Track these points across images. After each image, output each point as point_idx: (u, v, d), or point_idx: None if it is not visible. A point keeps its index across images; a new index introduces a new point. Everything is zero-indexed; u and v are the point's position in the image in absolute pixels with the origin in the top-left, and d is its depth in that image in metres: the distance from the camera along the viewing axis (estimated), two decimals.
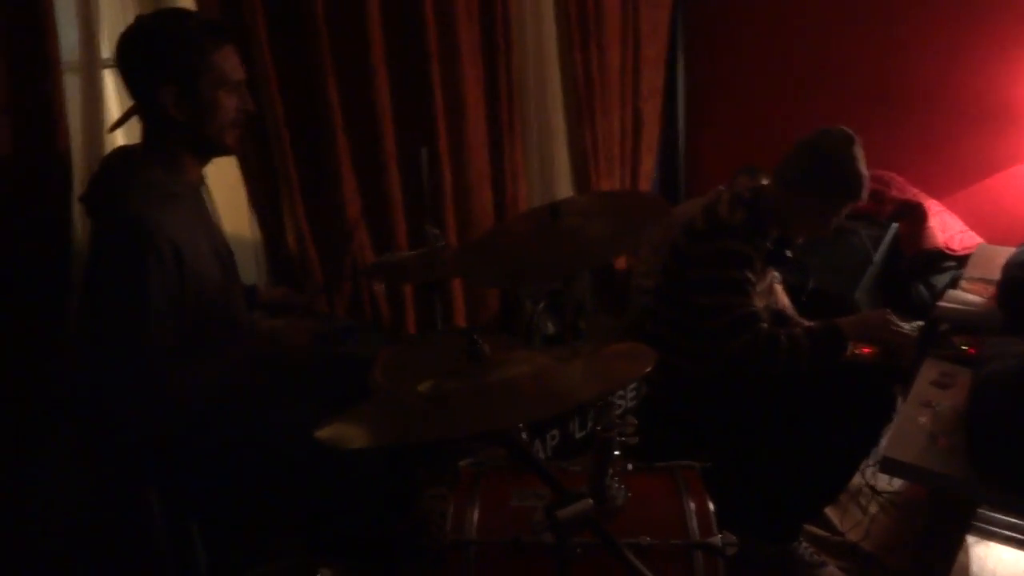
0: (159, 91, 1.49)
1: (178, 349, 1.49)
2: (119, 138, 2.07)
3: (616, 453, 1.44)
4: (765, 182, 3.00)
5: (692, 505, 1.45)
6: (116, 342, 1.45)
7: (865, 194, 1.99)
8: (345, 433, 1.05)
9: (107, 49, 2.06)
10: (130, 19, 2.07)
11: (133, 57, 1.51)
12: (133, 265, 1.43)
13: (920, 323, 2.47)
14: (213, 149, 1.63)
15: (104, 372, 1.48)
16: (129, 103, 2.12)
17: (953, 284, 2.63)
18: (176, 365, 1.48)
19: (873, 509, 2.30)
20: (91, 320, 1.53)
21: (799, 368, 1.92)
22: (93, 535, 1.82)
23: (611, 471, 1.45)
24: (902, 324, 1.98)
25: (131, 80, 1.53)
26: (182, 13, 1.54)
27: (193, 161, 1.62)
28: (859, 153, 1.97)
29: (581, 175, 3.30)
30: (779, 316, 2.33)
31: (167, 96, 1.49)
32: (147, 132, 1.59)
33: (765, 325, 1.96)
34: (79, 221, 1.80)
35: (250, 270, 2.43)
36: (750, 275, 1.98)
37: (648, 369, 1.06)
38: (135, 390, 1.45)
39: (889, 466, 1.49)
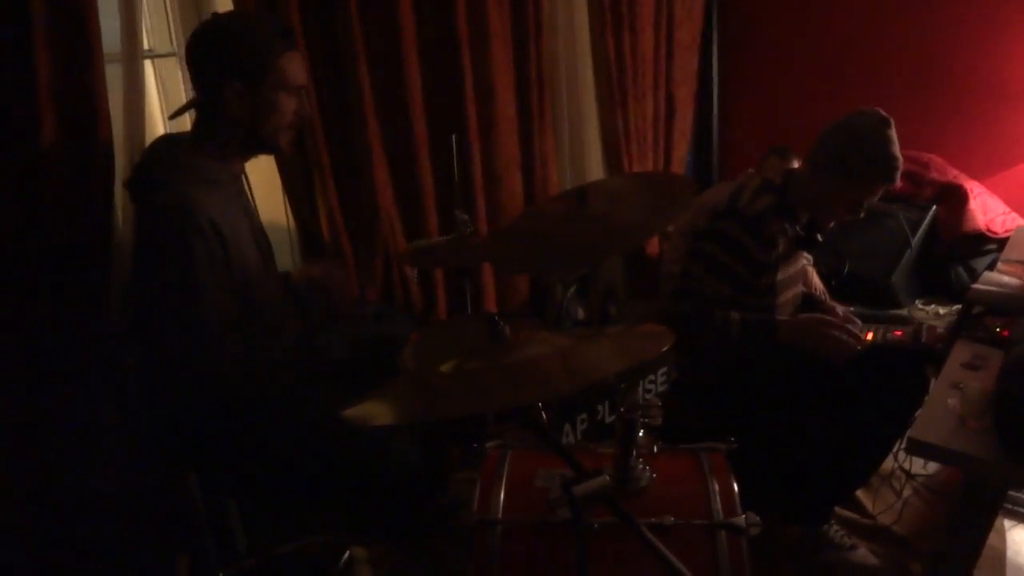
0: (224, 86, 1.55)
1: (234, 325, 1.54)
2: (160, 127, 2.14)
3: (640, 434, 1.45)
4: (796, 163, 2.98)
5: (716, 486, 1.46)
6: (171, 322, 1.50)
7: (898, 176, 1.96)
8: (371, 411, 1.08)
9: (148, 40, 2.13)
10: (171, 10, 2.15)
11: (205, 51, 1.57)
12: (179, 246, 1.48)
13: (959, 307, 2.43)
14: (264, 147, 1.69)
15: (163, 352, 1.53)
16: (168, 93, 2.21)
17: (993, 267, 2.58)
18: (230, 340, 1.53)
19: (906, 493, 2.28)
20: (144, 304, 1.58)
21: (725, 351, 2.02)
22: (134, 512, 1.88)
23: (636, 452, 1.47)
24: (844, 329, 1.93)
25: (198, 73, 1.59)
26: (255, 15, 1.60)
27: (239, 156, 1.68)
28: (893, 135, 1.93)
29: (613, 160, 3.29)
30: (810, 300, 2.31)
31: (231, 92, 1.55)
32: (200, 123, 1.65)
33: (718, 311, 1.98)
34: (121, 209, 1.86)
35: (285, 256, 2.49)
36: (738, 265, 1.98)
37: (666, 348, 1.08)
38: (194, 366, 1.50)
39: (916, 447, 1.48)
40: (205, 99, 1.60)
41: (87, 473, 1.80)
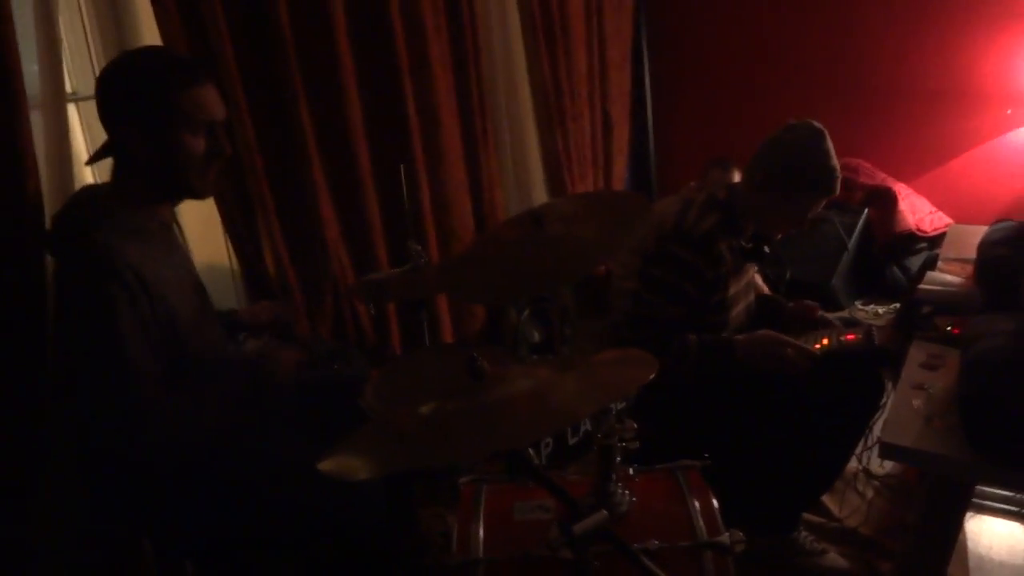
0: (123, 129, 1.47)
1: (163, 378, 1.46)
2: (88, 174, 2.04)
3: (618, 459, 1.43)
4: (737, 174, 3.03)
5: (697, 505, 1.45)
6: (95, 375, 1.42)
7: (838, 186, 1.98)
8: (348, 464, 1.03)
9: (71, 82, 2.03)
10: (94, 50, 2.06)
11: (101, 95, 1.49)
12: (99, 295, 1.39)
13: (896, 305, 2.50)
14: (179, 190, 1.59)
15: (88, 406, 1.45)
16: (94, 138, 2.11)
17: (928, 265, 2.67)
18: (162, 396, 1.45)
19: (870, 494, 2.32)
20: (67, 356, 1.50)
21: (682, 373, 2.00)
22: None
23: (615, 477, 1.45)
24: (797, 347, 1.97)
25: (101, 116, 1.51)
26: (155, 52, 1.50)
27: (164, 200, 1.59)
28: (829, 147, 1.94)
29: (556, 181, 3.31)
30: (777, 305, 2.34)
31: (130, 135, 1.47)
32: (116, 169, 1.56)
33: (674, 335, 1.99)
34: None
35: (230, 297, 2.40)
36: (690, 287, 1.99)
37: (651, 377, 1.06)
38: (122, 421, 1.41)
39: (887, 451, 1.49)
40: (114, 144, 1.53)
41: (33, 540, 1.69)
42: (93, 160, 1.62)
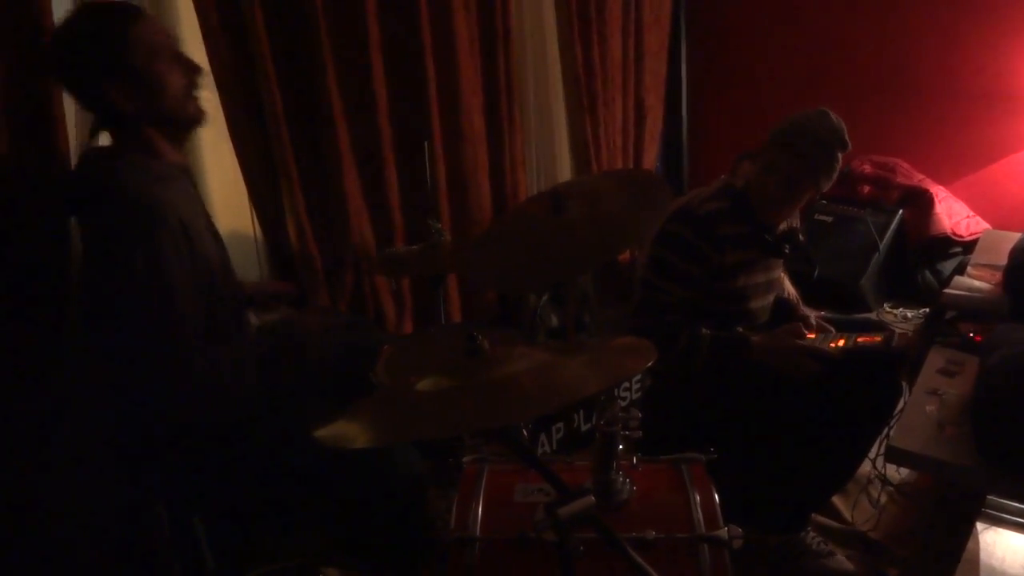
0: (104, 91, 1.44)
1: (202, 330, 1.45)
2: None
3: (620, 447, 1.43)
4: None
5: (698, 498, 1.44)
6: (143, 329, 1.38)
7: (820, 158, 1.93)
8: (346, 432, 1.04)
9: None
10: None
11: (65, 72, 1.48)
12: (145, 243, 1.37)
13: (926, 310, 2.45)
14: (179, 124, 1.57)
15: (132, 360, 1.41)
16: None
17: (959, 270, 2.61)
18: (205, 346, 1.44)
19: (883, 499, 2.28)
20: (108, 311, 1.45)
21: (693, 367, 1.97)
22: (97, 535, 1.81)
23: (615, 465, 1.44)
24: (814, 350, 1.93)
25: (73, 91, 1.49)
26: (85, 12, 1.46)
27: (169, 143, 1.56)
28: (828, 123, 1.93)
29: (583, 166, 3.29)
30: (785, 305, 2.31)
31: (113, 92, 1.44)
32: (116, 136, 1.53)
33: (685, 328, 1.97)
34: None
35: (253, 268, 2.42)
36: (690, 267, 1.97)
37: (649, 364, 1.05)
38: (168, 374, 1.40)
39: (895, 455, 1.47)
40: (101, 114, 1.51)
41: (44, 494, 1.72)
42: (91, 140, 1.59)
